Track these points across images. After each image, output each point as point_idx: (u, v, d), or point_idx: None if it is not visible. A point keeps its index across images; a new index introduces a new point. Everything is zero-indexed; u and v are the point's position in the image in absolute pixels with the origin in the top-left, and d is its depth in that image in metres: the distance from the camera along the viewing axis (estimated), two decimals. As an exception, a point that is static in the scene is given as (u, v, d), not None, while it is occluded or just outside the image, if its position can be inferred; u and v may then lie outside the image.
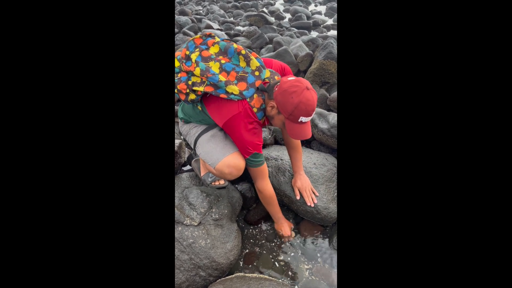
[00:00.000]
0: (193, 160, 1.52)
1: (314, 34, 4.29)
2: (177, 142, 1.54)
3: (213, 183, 1.41)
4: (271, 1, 6.75)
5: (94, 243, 0.58)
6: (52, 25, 0.58)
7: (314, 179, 1.42)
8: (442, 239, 0.55)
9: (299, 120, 1.02)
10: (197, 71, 1.04)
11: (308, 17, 5.14)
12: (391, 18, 0.61)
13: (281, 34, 3.85)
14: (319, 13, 5.78)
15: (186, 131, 1.32)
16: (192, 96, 1.10)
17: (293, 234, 1.33)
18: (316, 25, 4.85)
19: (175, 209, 1.22)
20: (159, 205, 0.63)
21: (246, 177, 1.62)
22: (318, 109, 1.81)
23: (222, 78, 1.03)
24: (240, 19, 5.03)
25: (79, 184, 0.58)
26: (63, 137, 0.58)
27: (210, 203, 1.27)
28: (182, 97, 1.12)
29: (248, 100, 1.07)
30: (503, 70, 0.55)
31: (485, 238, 0.53)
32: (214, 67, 1.06)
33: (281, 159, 1.52)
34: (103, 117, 0.60)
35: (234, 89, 1.04)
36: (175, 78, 1.12)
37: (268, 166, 1.52)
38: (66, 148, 0.58)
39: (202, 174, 1.43)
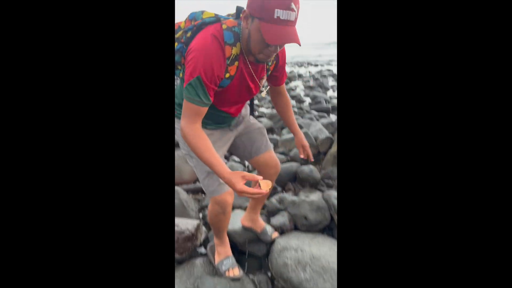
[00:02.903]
0: (209, 245, 1.45)
1: (333, 117, 4.53)
2: (195, 223, 1.51)
3: (227, 273, 1.31)
4: (292, 87, 7.44)
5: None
6: (62, 41, 0.57)
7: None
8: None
9: (276, 16, 0.82)
10: (183, 22, 1.05)
11: (327, 102, 5.52)
12: (391, 78, 0.61)
13: (301, 117, 4.10)
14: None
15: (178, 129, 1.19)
16: (175, 44, 1.04)
17: (267, 184, 0.94)
18: (334, 109, 5.16)
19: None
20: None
21: (261, 265, 1.49)
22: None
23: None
24: (264, 102, 5.50)
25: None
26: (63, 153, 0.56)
27: (222, 299, 1.15)
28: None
29: (221, 20, 0.96)
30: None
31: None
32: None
33: (302, 250, 1.41)
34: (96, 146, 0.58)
35: (210, 14, 0.99)
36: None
37: (286, 258, 1.40)
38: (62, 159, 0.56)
39: (216, 262, 1.34)
